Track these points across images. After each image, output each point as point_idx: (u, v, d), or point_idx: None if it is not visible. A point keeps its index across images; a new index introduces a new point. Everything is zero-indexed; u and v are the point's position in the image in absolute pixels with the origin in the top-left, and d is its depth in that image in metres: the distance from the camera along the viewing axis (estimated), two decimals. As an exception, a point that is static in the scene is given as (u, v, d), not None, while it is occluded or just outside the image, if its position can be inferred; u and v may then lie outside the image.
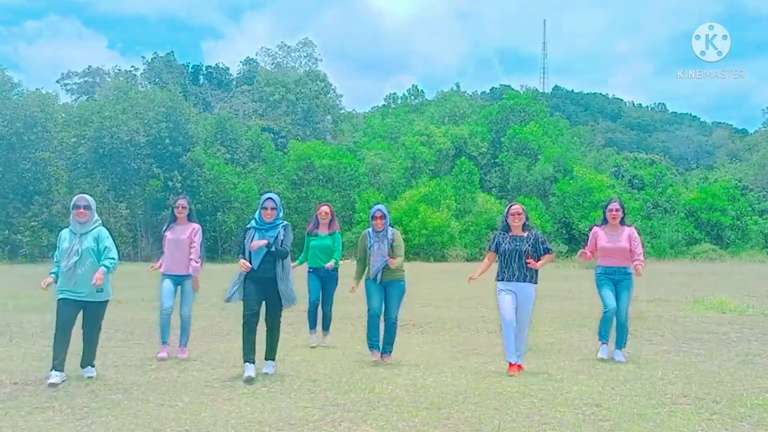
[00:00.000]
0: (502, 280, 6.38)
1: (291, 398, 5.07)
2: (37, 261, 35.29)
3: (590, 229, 7.35)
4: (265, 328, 6.13)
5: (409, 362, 6.66)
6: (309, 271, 8.17)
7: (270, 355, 6.16)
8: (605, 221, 7.19)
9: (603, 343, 7.05)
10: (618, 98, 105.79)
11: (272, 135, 52.25)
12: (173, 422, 4.41)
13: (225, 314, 9.35)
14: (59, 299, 5.88)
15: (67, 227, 6.14)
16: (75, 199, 6.04)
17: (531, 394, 5.13)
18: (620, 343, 6.97)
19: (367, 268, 7.00)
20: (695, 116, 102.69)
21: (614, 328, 6.93)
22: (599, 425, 4.31)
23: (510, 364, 6.17)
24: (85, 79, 62.49)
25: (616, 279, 6.99)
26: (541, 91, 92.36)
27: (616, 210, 7.08)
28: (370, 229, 6.99)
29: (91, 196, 6.22)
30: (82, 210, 5.94)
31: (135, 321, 10.10)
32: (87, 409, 4.78)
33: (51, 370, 5.68)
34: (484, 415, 4.51)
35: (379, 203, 7.33)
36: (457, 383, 5.57)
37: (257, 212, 6.15)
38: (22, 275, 23.34)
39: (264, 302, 6.07)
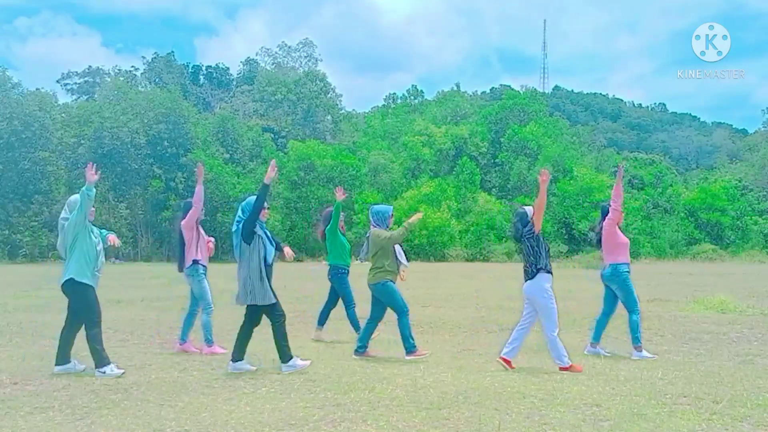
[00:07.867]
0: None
1: (291, 398, 5.06)
2: (37, 261, 35.30)
3: (600, 226, 7.23)
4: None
5: (409, 362, 6.66)
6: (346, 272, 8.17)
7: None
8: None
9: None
10: (618, 98, 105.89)
11: (272, 135, 52.23)
12: (173, 422, 4.41)
13: (225, 315, 9.33)
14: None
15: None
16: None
17: (531, 394, 5.12)
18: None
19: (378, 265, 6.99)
20: (695, 116, 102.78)
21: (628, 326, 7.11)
22: (599, 425, 4.31)
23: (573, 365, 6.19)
24: (85, 79, 62.51)
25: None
26: (541, 91, 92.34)
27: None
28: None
29: None
30: (93, 209, 6.37)
31: (135, 321, 10.11)
32: (87, 409, 4.78)
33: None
34: (484, 415, 4.51)
35: (382, 204, 7.62)
36: (457, 383, 5.56)
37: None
38: (22, 275, 23.36)
39: None
